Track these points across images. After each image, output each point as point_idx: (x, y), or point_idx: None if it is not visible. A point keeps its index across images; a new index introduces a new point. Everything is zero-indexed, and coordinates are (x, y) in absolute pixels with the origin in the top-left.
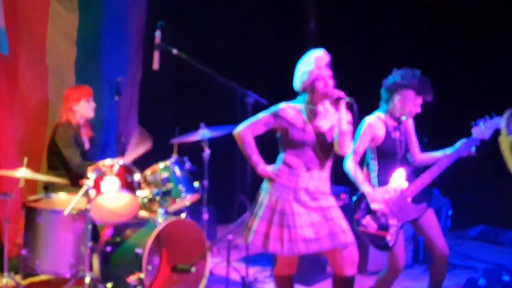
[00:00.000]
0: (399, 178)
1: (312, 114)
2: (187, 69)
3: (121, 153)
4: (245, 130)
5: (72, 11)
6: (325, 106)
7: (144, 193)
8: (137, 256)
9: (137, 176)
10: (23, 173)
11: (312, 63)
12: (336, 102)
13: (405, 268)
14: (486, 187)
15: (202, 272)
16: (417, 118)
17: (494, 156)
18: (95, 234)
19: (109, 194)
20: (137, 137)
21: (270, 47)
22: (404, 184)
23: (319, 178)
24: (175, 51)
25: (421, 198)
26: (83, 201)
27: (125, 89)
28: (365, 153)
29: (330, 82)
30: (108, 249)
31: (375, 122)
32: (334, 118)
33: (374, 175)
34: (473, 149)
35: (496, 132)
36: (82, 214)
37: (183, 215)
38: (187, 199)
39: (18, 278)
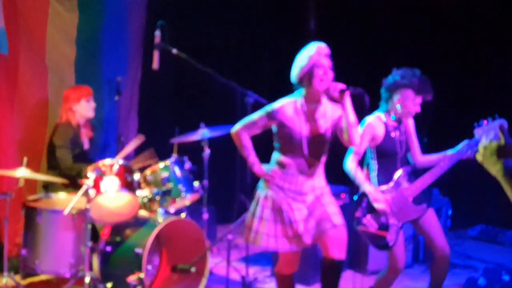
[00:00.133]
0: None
1: (309, 111)
2: (187, 69)
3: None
4: (242, 131)
5: (71, 11)
6: (323, 102)
7: (144, 193)
8: (137, 256)
9: (137, 176)
10: (22, 172)
11: (313, 50)
12: (340, 94)
13: (405, 267)
14: (486, 187)
15: (202, 272)
16: (417, 118)
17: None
18: (95, 233)
19: (109, 194)
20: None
21: (270, 47)
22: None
23: (313, 175)
24: (175, 51)
25: (422, 199)
26: (83, 201)
27: (125, 88)
28: (365, 153)
29: (330, 73)
30: (108, 248)
31: (375, 122)
32: (331, 114)
33: (374, 174)
34: (470, 152)
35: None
36: (82, 213)
37: (183, 215)
38: (187, 199)
39: (18, 278)
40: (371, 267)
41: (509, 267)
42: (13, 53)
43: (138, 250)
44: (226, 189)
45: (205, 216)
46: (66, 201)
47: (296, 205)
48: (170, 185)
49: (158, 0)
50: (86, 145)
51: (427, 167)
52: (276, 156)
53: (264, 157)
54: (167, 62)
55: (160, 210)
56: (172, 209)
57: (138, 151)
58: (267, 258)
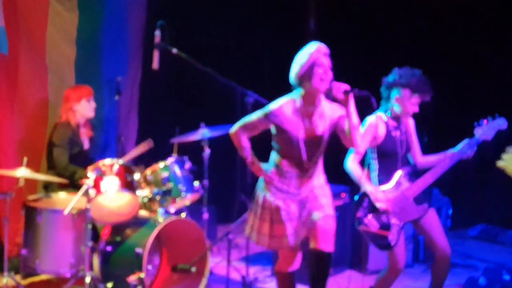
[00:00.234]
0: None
1: (307, 112)
2: (187, 69)
3: (121, 153)
4: (240, 132)
5: (71, 11)
6: (321, 102)
7: (144, 193)
8: (138, 256)
9: (137, 176)
10: (23, 172)
11: (314, 48)
12: (344, 95)
13: (405, 267)
14: (486, 187)
15: (203, 271)
16: (417, 118)
17: (494, 155)
18: (95, 233)
19: (109, 194)
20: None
21: (270, 47)
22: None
23: (311, 176)
24: (175, 51)
25: (423, 198)
26: (83, 201)
27: (125, 88)
28: (365, 153)
29: (330, 72)
30: (108, 248)
31: (376, 122)
32: (330, 114)
33: (374, 174)
34: (470, 152)
35: (499, 134)
36: (82, 213)
37: (183, 215)
38: (187, 199)
39: (18, 278)
40: (371, 266)
41: (510, 266)
42: (13, 53)
43: (138, 250)
44: (226, 189)
45: (205, 216)
46: (66, 201)
47: (292, 204)
48: (170, 185)
49: (158, 0)
50: (86, 145)
51: (427, 167)
52: (274, 156)
53: (264, 157)
54: (167, 62)
55: (160, 210)
56: (172, 209)
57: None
58: (268, 258)
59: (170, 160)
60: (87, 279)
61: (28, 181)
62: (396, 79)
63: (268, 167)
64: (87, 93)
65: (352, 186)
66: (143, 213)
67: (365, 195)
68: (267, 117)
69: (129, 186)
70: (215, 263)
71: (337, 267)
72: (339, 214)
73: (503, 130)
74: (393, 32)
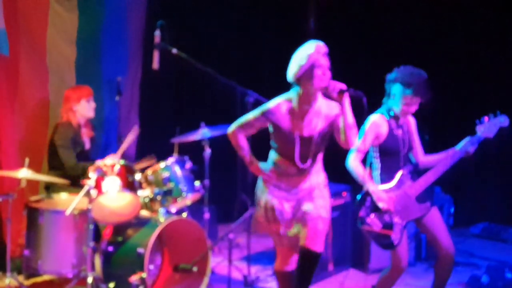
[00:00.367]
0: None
1: (304, 111)
2: (187, 69)
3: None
4: (237, 131)
5: (71, 11)
6: (318, 100)
7: (145, 193)
8: (139, 256)
9: (138, 176)
10: (24, 173)
11: (313, 48)
12: (339, 95)
13: (407, 266)
14: (488, 184)
15: (204, 271)
16: (418, 116)
17: (496, 153)
18: (97, 234)
19: (110, 194)
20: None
21: (270, 47)
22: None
23: (309, 174)
24: (174, 51)
25: (425, 197)
26: (84, 201)
27: (125, 89)
28: (367, 152)
29: (328, 73)
30: (110, 248)
31: (379, 120)
32: (327, 112)
33: (376, 173)
34: (471, 149)
35: (500, 131)
36: (84, 214)
37: (184, 215)
38: (188, 199)
39: (21, 278)
40: (373, 265)
41: None
42: (14, 54)
43: (140, 250)
44: (227, 189)
45: (206, 215)
46: (68, 202)
47: (288, 204)
48: (171, 185)
49: (158, 0)
50: (87, 145)
51: (429, 166)
52: (272, 155)
53: (264, 157)
54: (167, 62)
55: (161, 210)
56: (173, 209)
57: (139, 153)
58: (269, 257)
59: (171, 160)
60: (89, 279)
61: (30, 182)
62: (396, 77)
63: (266, 166)
64: (87, 93)
65: (353, 185)
66: (145, 213)
67: (367, 194)
68: (264, 115)
69: (130, 186)
70: (216, 262)
71: (339, 266)
72: (340, 213)
73: (504, 127)
74: (393, 31)
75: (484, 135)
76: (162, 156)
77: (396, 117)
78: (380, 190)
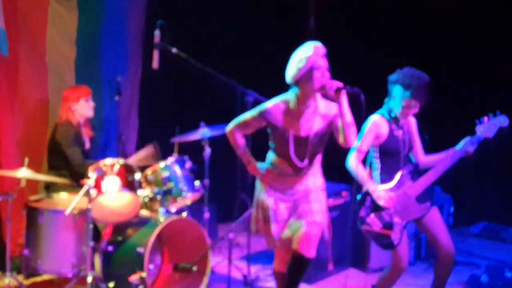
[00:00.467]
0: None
1: (302, 111)
2: (187, 68)
3: (121, 152)
4: (235, 130)
5: (71, 11)
6: (317, 101)
7: (145, 192)
8: (139, 255)
9: (138, 175)
10: (24, 173)
11: (311, 50)
12: (336, 93)
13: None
14: (488, 184)
15: (204, 270)
16: (418, 116)
17: (496, 153)
18: (97, 233)
19: (110, 194)
20: (149, 152)
21: (270, 46)
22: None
23: (306, 176)
24: (174, 50)
25: (425, 197)
26: (84, 201)
27: (125, 88)
28: (367, 152)
29: (327, 74)
30: (110, 248)
31: (379, 121)
32: (326, 112)
33: (376, 173)
34: (470, 149)
35: (500, 131)
36: (84, 213)
37: (184, 214)
38: (188, 198)
39: (20, 278)
40: (373, 265)
41: None
42: (14, 53)
43: (139, 249)
44: (227, 188)
45: (206, 215)
46: (68, 201)
47: (283, 205)
48: (171, 185)
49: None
50: (87, 145)
51: (429, 166)
52: (270, 155)
53: (263, 158)
54: (167, 62)
55: (161, 210)
56: (173, 209)
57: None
58: (269, 257)
59: (171, 159)
60: (89, 279)
61: (29, 181)
62: (397, 78)
63: (264, 166)
64: (85, 93)
65: (353, 184)
66: (144, 212)
67: (367, 194)
68: (261, 114)
69: (130, 186)
70: (216, 262)
71: (339, 266)
72: (340, 212)
73: (504, 127)
74: (393, 30)
75: (483, 135)
76: (162, 155)
77: (396, 118)
78: (380, 189)
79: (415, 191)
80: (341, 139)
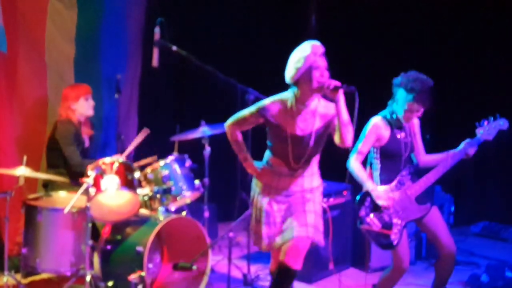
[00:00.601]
0: None
1: (300, 110)
2: (187, 66)
3: (121, 151)
4: (233, 126)
5: (71, 8)
6: (316, 101)
7: (144, 191)
8: (138, 254)
9: (137, 174)
10: (22, 171)
11: (309, 50)
12: (333, 92)
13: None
14: (488, 183)
15: (204, 269)
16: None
17: (496, 152)
18: (96, 232)
19: (109, 192)
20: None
21: (271, 43)
22: None
23: (302, 176)
24: (174, 48)
25: (425, 198)
26: (83, 199)
27: (124, 86)
28: (368, 152)
29: (326, 73)
30: (109, 247)
31: (381, 123)
32: (325, 112)
33: (376, 174)
34: (470, 151)
35: (499, 133)
36: (82, 212)
37: (184, 213)
38: (188, 197)
39: (18, 276)
40: (373, 264)
41: None
42: (12, 51)
43: (139, 248)
44: (227, 187)
45: (206, 214)
46: (67, 200)
47: (277, 206)
48: (170, 183)
49: None
50: (86, 143)
51: (429, 166)
52: (267, 154)
53: (262, 157)
54: (167, 59)
55: (161, 208)
56: (173, 207)
57: (138, 151)
58: (269, 256)
59: (171, 158)
60: (88, 278)
61: (28, 179)
62: (401, 82)
63: (260, 164)
64: (85, 92)
65: (354, 184)
66: (144, 211)
67: (367, 194)
68: (259, 111)
69: (130, 184)
70: (216, 261)
71: (340, 265)
72: (341, 212)
73: (504, 130)
74: (395, 28)
75: (483, 138)
76: (162, 154)
77: (398, 121)
78: (380, 189)
79: (415, 192)
80: (336, 139)
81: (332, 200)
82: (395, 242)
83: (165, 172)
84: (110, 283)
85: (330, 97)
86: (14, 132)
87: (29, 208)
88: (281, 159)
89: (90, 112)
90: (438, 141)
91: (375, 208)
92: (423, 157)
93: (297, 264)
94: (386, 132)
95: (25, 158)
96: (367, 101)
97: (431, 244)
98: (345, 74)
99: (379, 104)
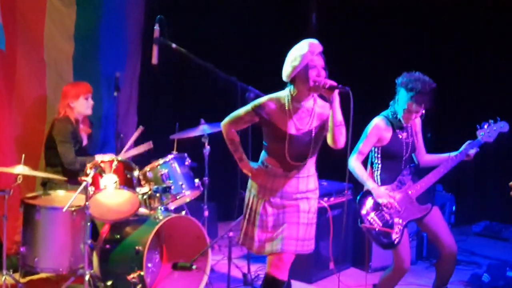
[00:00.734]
0: None
1: (296, 110)
2: (186, 64)
3: (120, 150)
4: (229, 125)
5: (69, 6)
6: (312, 100)
7: (144, 190)
8: (137, 253)
9: (136, 173)
10: (21, 170)
11: (306, 48)
12: (329, 91)
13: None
14: (489, 183)
15: (203, 269)
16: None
17: (497, 152)
18: (95, 231)
19: (108, 191)
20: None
21: (271, 41)
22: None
23: (297, 178)
24: (174, 46)
25: (426, 198)
26: (82, 198)
27: (124, 84)
28: (369, 151)
29: (323, 72)
30: (108, 246)
31: (382, 124)
32: (321, 112)
33: (377, 173)
34: (471, 152)
35: (500, 136)
36: (81, 211)
37: (183, 212)
38: (188, 196)
39: (17, 276)
40: (374, 264)
41: None
42: (11, 49)
43: (138, 247)
44: (227, 186)
45: (206, 213)
46: (65, 198)
47: (272, 210)
48: (170, 182)
49: None
50: (84, 141)
51: (429, 166)
52: (263, 155)
53: (257, 152)
54: (167, 57)
55: (160, 208)
56: (172, 206)
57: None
58: None
59: (170, 157)
60: (87, 277)
61: (26, 178)
62: (402, 82)
63: (256, 165)
64: (85, 91)
65: (354, 183)
66: (143, 210)
67: (368, 193)
68: (254, 110)
69: (129, 183)
70: (216, 260)
71: (340, 265)
72: (341, 211)
73: (504, 132)
74: (395, 28)
75: (484, 140)
76: (162, 152)
77: (400, 121)
78: (380, 188)
79: (416, 192)
80: (329, 139)
81: (332, 200)
82: (396, 241)
83: (165, 170)
84: (109, 283)
85: (324, 96)
86: (13, 131)
87: (28, 206)
88: (276, 159)
89: (88, 111)
90: (438, 140)
91: (376, 207)
92: (424, 157)
93: (283, 275)
94: (387, 133)
95: (23, 156)
96: (366, 101)
97: (432, 244)
98: (344, 74)
99: (379, 104)
